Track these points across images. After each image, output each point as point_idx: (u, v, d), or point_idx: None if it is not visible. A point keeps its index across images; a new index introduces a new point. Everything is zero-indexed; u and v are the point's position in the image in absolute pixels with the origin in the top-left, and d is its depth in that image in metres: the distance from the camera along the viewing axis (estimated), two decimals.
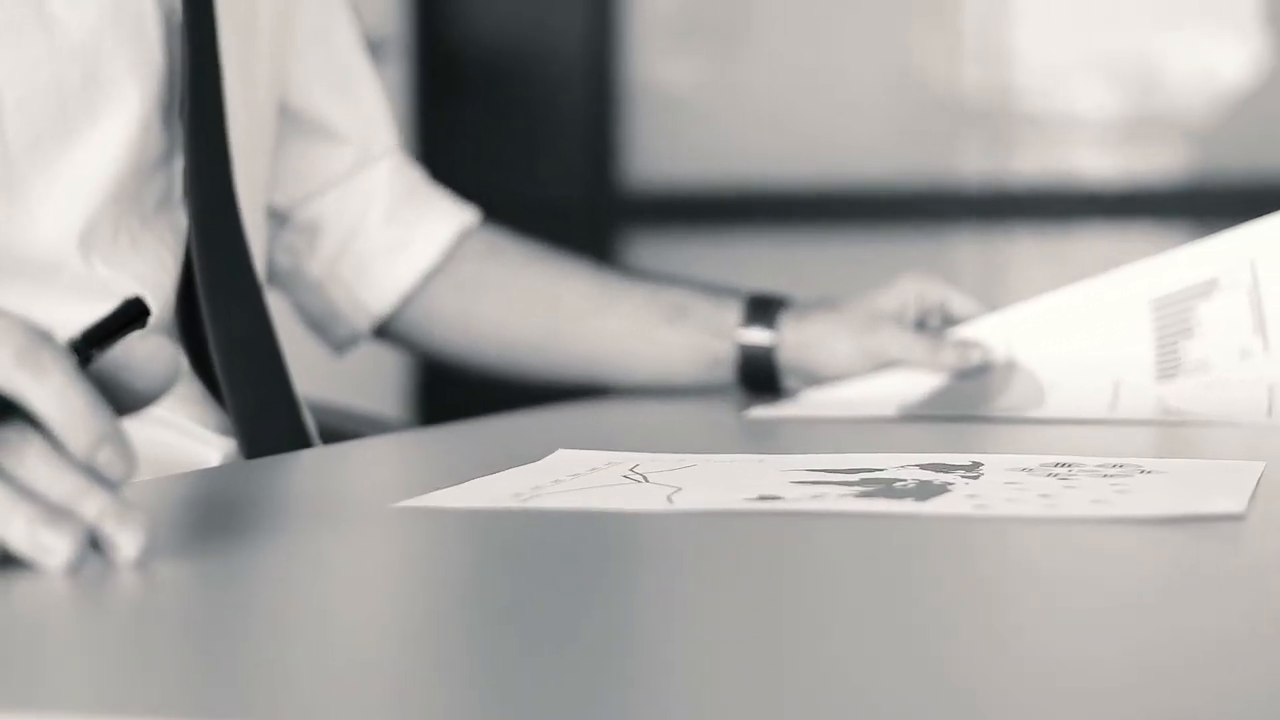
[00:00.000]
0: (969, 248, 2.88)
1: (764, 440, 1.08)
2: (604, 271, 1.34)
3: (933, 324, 1.28)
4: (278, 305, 1.15)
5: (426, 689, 0.47)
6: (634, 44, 2.93)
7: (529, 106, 2.90)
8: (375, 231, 1.28)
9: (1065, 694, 0.45)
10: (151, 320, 0.69)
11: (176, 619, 0.57)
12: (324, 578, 0.64)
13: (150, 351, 0.65)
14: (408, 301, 1.30)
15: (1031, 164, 2.81)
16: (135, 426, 0.65)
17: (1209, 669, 0.48)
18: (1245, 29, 2.72)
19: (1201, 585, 0.60)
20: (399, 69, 2.81)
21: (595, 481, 0.81)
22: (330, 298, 1.29)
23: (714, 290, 1.32)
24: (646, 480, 0.81)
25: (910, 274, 1.29)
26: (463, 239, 1.32)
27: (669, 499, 0.76)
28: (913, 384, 1.23)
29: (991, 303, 1.28)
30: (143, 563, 0.61)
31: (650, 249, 2.88)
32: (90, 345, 0.66)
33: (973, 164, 2.84)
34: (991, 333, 1.24)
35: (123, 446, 0.62)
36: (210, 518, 0.76)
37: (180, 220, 1.06)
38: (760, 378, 1.29)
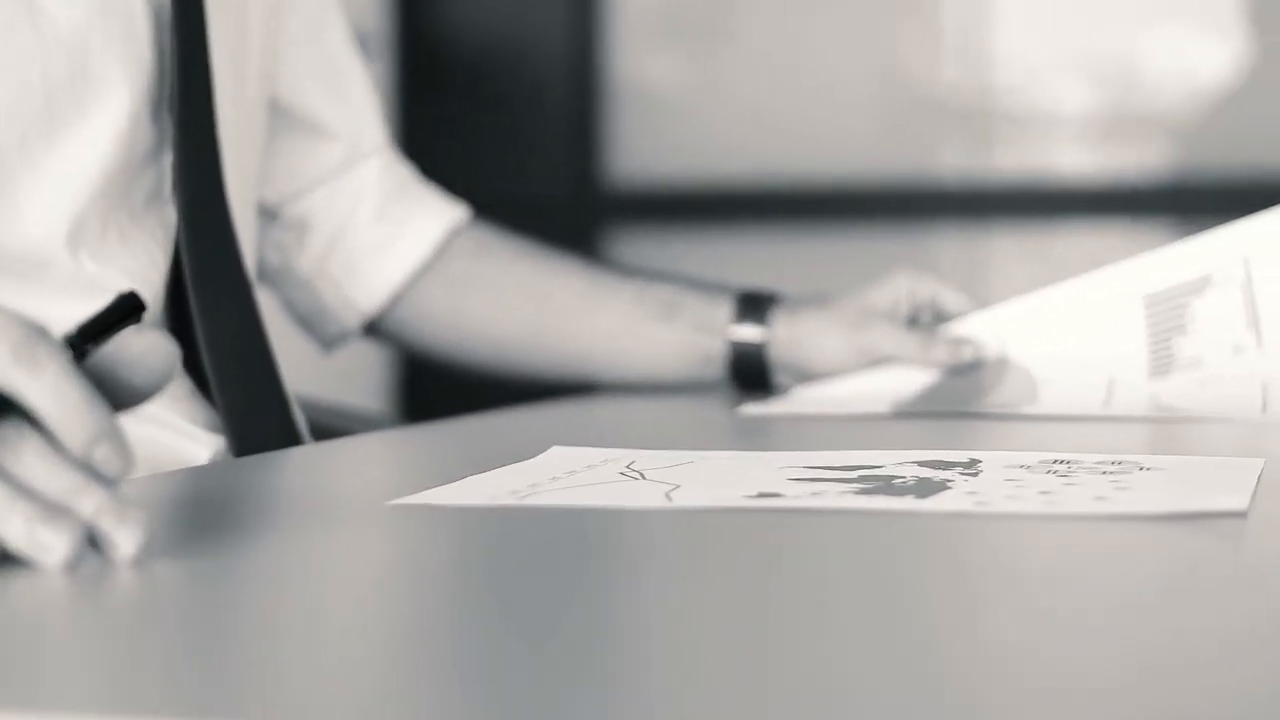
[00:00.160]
0: (950, 245, 2.88)
1: (758, 437, 1.08)
2: (594, 268, 1.34)
3: (925, 320, 1.27)
4: (266, 302, 1.14)
5: (428, 688, 0.47)
6: (617, 41, 2.92)
7: (512, 103, 2.90)
8: (365, 229, 1.28)
9: (1070, 693, 0.45)
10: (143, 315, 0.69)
11: (174, 618, 0.56)
12: (322, 576, 0.63)
13: (146, 346, 0.65)
14: (397, 299, 1.30)
15: (1012, 162, 2.81)
16: (123, 424, 0.64)
17: (1214, 666, 0.48)
18: (1225, 27, 2.73)
19: (1206, 583, 0.60)
20: (381, 65, 2.80)
21: (592, 479, 0.81)
22: (319, 295, 1.28)
23: (704, 286, 1.32)
24: (644, 477, 0.81)
25: (902, 270, 1.29)
26: (452, 236, 1.32)
27: (667, 496, 0.76)
28: (905, 381, 1.23)
29: (972, 299, 1.28)
30: (140, 560, 0.60)
31: (633, 246, 2.88)
32: (85, 340, 0.65)
33: (954, 161, 2.84)
34: (984, 329, 1.24)
35: (120, 443, 0.61)
36: (205, 516, 0.76)
37: (170, 216, 1.05)
38: (751, 374, 1.28)
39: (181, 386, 1.04)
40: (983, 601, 0.58)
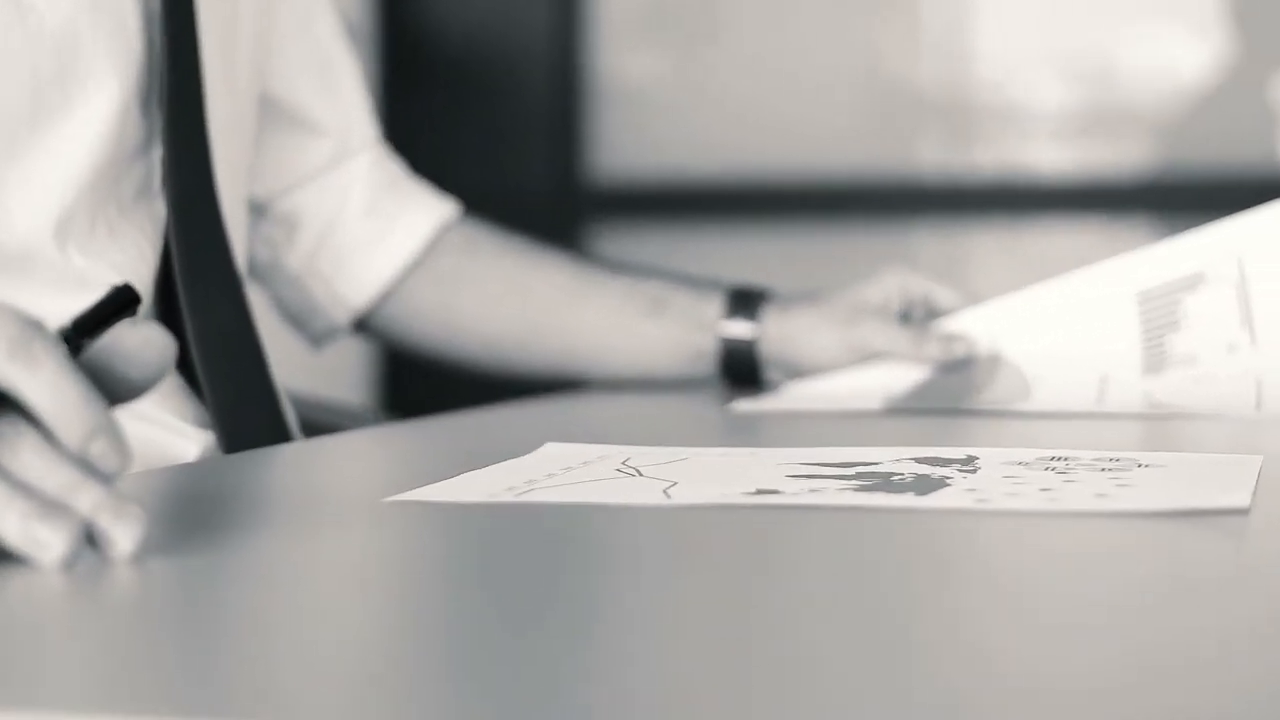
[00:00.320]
0: (929, 241, 2.88)
1: (751, 433, 1.07)
2: (584, 264, 1.33)
3: (916, 317, 1.27)
4: (254, 298, 1.13)
5: (431, 687, 0.46)
6: (600, 37, 2.92)
7: (495, 99, 2.89)
8: (354, 224, 1.27)
9: (1074, 692, 0.45)
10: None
11: (173, 616, 0.56)
12: (321, 574, 0.63)
13: (142, 339, 0.64)
14: (387, 295, 1.29)
15: (991, 158, 2.81)
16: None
17: (1219, 665, 0.48)
18: (1204, 24, 2.73)
19: (1211, 581, 0.60)
20: (364, 60, 2.79)
21: (588, 475, 0.80)
22: (308, 291, 1.27)
23: (695, 282, 1.31)
24: (640, 474, 0.81)
25: (893, 266, 1.28)
26: (443, 232, 1.31)
27: (665, 493, 0.75)
28: (896, 377, 1.22)
29: (963, 296, 1.27)
30: (138, 558, 0.60)
31: (616, 242, 2.88)
32: (80, 334, 0.65)
33: (933, 158, 2.84)
34: (976, 326, 1.24)
35: (117, 439, 0.60)
36: (201, 513, 0.75)
37: (159, 210, 1.04)
38: (742, 371, 1.28)
39: (170, 382, 1.03)
40: (986, 599, 0.58)
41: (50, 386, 0.60)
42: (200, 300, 1.03)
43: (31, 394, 0.60)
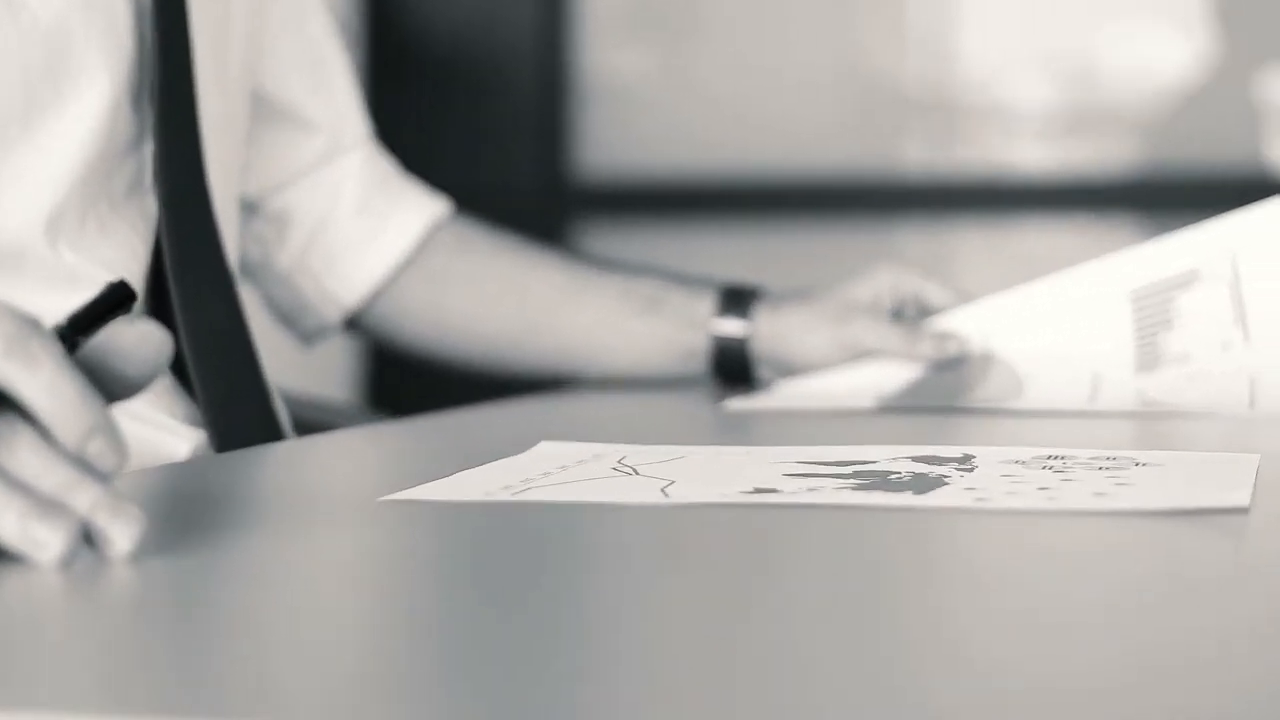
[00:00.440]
0: (914, 239, 2.88)
1: (746, 432, 1.07)
2: (575, 262, 1.33)
3: (908, 315, 1.26)
4: (245, 295, 1.13)
5: (431, 688, 0.46)
6: (585, 34, 2.91)
7: (481, 97, 2.89)
8: (346, 222, 1.26)
9: (1076, 692, 0.45)
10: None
11: (171, 616, 0.56)
12: (319, 574, 0.63)
13: (139, 336, 0.64)
14: (378, 294, 1.29)
15: (977, 157, 2.81)
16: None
17: (1222, 665, 0.48)
18: (1189, 23, 2.73)
19: (1213, 580, 0.60)
20: (349, 57, 2.78)
21: (584, 474, 0.80)
22: (299, 289, 1.27)
23: (687, 280, 1.31)
24: (637, 472, 0.80)
25: (886, 264, 1.28)
26: (434, 230, 1.31)
27: (663, 491, 0.75)
28: (889, 375, 1.22)
29: (956, 294, 1.27)
30: (135, 557, 0.59)
31: (601, 239, 2.87)
32: (76, 332, 0.64)
33: (918, 156, 2.84)
34: (968, 324, 1.23)
35: (114, 437, 0.60)
36: (196, 512, 0.75)
37: (150, 206, 1.04)
38: (734, 369, 1.28)
39: (162, 380, 1.02)
40: (987, 598, 0.57)
41: (48, 385, 0.59)
42: (192, 297, 1.03)
43: (29, 392, 0.59)
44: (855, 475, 0.78)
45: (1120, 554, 0.64)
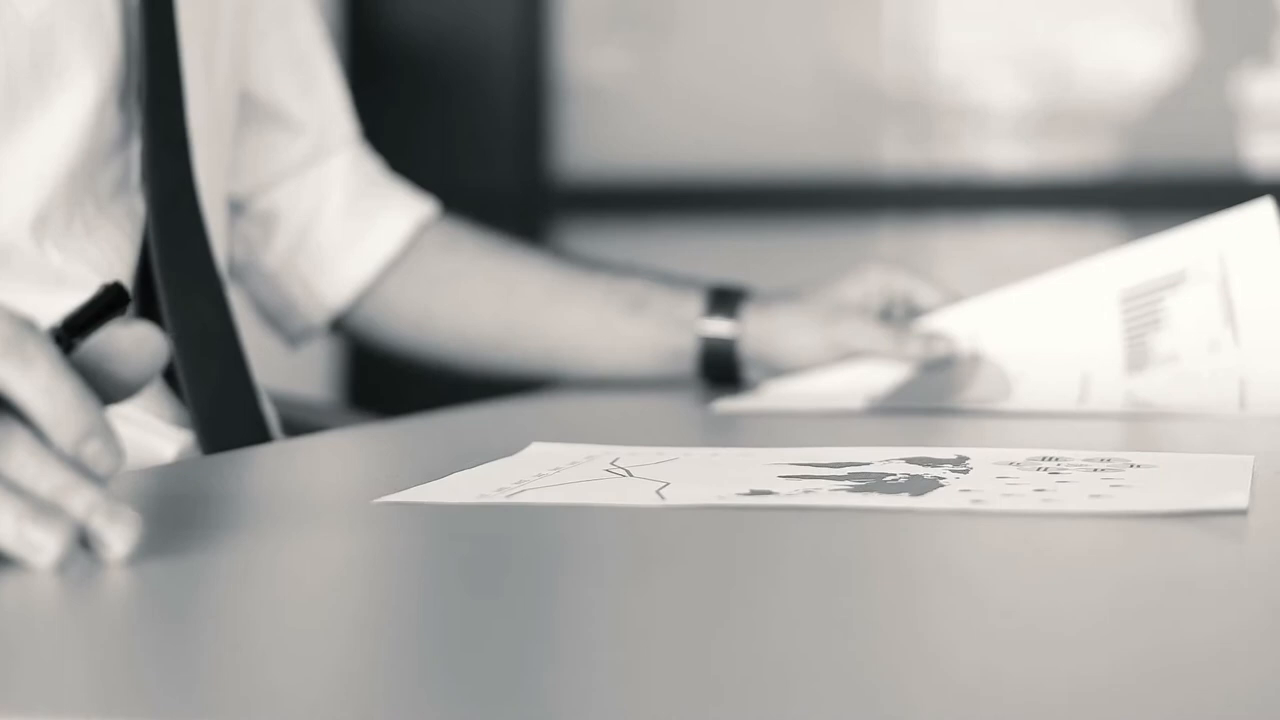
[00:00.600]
0: (892, 239, 2.89)
1: (736, 433, 1.07)
2: (562, 263, 1.32)
3: (897, 315, 1.26)
4: (233, 296, 1.12)
5: (435, 692, 0.46)
6: (564, 35, 2.91)
7: (459, 97, 2.88)
8: (332, 223, 1.26)
9: (1077, 695, 0.45)
10: None
11: (168, 619, 0.55)
12: (319, 577, 0.62)
13: (136, 339, 0.63)
14: (365, 295, 1.28)
15: (954, 156, 2.82)
16: None
17: (1224, 667, 0.48)
18: (1166, 22, 2.74)
19: (1218, 583, 0.60)
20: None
21: (577, 476, 0.80)
22: (286, 290, 1.26)
23: (674, 281, 1.30)
24: (630, 474, 0.80)
25: (875, 264, 1.28)
26: (421, 231, 1.30)
27: (658, 493, 0.75)
28: (877, 376, 1.22)
29: (945, 294, 1.27)
30: (131, 560, 0.59)
31: (580, 239, 2.87)
32: (72, 333, 0.64)
33: (896, 156, 2.84)
34: (957, 324, 1.23)
35: (110, 440, 0.60)
36: (193, 514, 0.74)
37: (138, 206, 1.03)
38: (721, 370, 1.27)
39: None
40: (989, 601, 0.57)
41: (44, 387, 0.59)
42: (180, 298, 1.02)
43: (25, 394, 0.59)
44: (850, 477, 0.78)
45: (1122, 557, 0.64)
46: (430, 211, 1.31)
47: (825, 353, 1.24)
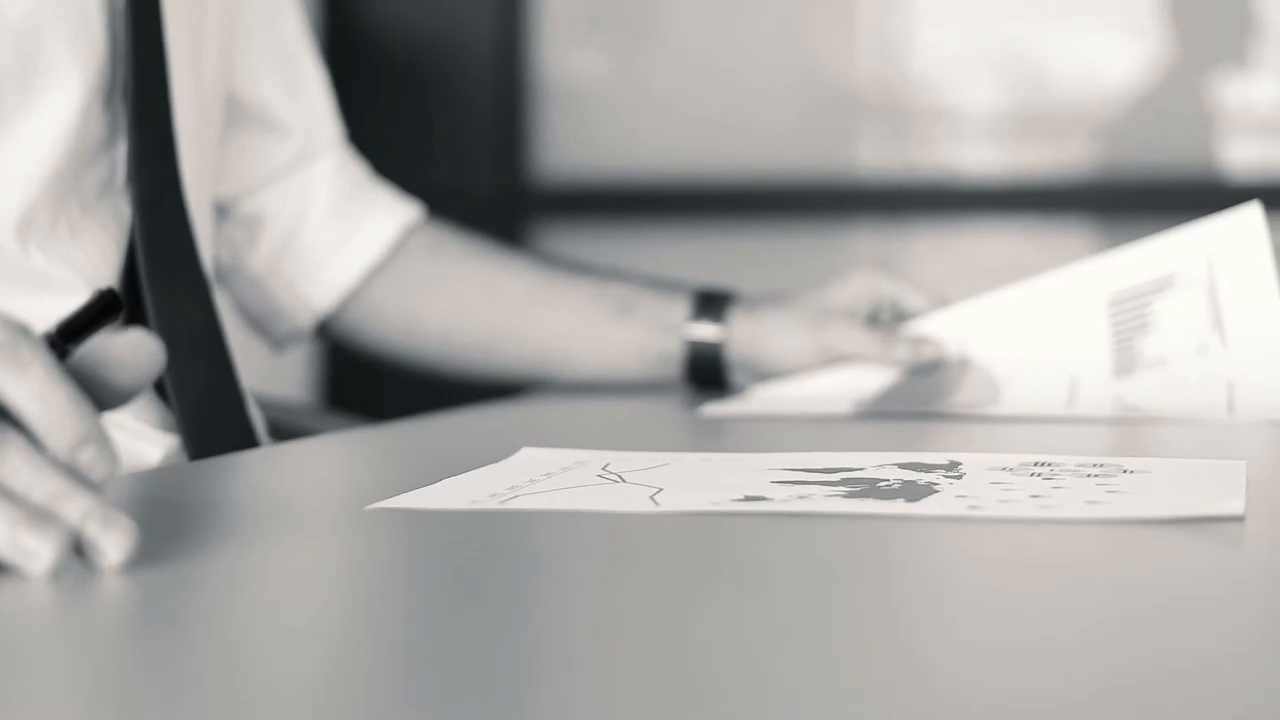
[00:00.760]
0: (867, 241, 2.89)
1: (725, 437, 1.07)
2: (548, 266, 1.32)
3: (884, 319, 1.26)
4: (218, 299, 1.11)
5: (432, 699, 0.45)
6: (542, 36, 2.91)
7: (438, 99, 2.88)
8: (318, 227, 1.25)
9: (1078, 702, 0.45)
10: None
11: (164, 627, 0.55)
12: (316, 584, 0.62)
13: (131, 345, 0.63)
14: (350, 299, 1.27)
15: (931, 159, 2.82)
16: None
17: (1225, 671, 0.48)
18: (1142, 27, 2.74)
19: (1218, 589, 0.59)
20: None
21: (570, 481, 0.79)
22: (271, 294, 1.25)
23: (660, 284, 1.30)
24: (623, 480, 0.80)
25: (862, 268, 1.28)
26: (407, 235, 1.30)
27: (653, 499, 0.74)
28: (865, 380, 1.22)
29: (932, 298, 1.27)
30: (126, 568, 0.58)
31: (559, 241, 2.87)
32: (66, 339, 0.63)
33: (872, 159, 2.85)
34: (945, 328, 1.23)
35: (105, 446, 0.59)
36: (183, 520, 0.74)
37: (123, 208, 1.03)
38: (708, 374, 1.27)
39: None
40: (988, 607, 0.57)
41: (39, 393, 0.59)
42: (166, 300, 1.01)
43: (20, 400, 0.59)
44: (844, 483, 0.78)
45: (1119, 563, 0.64)
46: (416, 215, 1.31)
47: (812, 356, 1.24)
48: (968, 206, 2.81)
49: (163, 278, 1.02)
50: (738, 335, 1.26)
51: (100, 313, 0.65)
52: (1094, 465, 0.82)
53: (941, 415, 1.12)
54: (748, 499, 0.74)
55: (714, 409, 1.16)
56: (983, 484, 0.77)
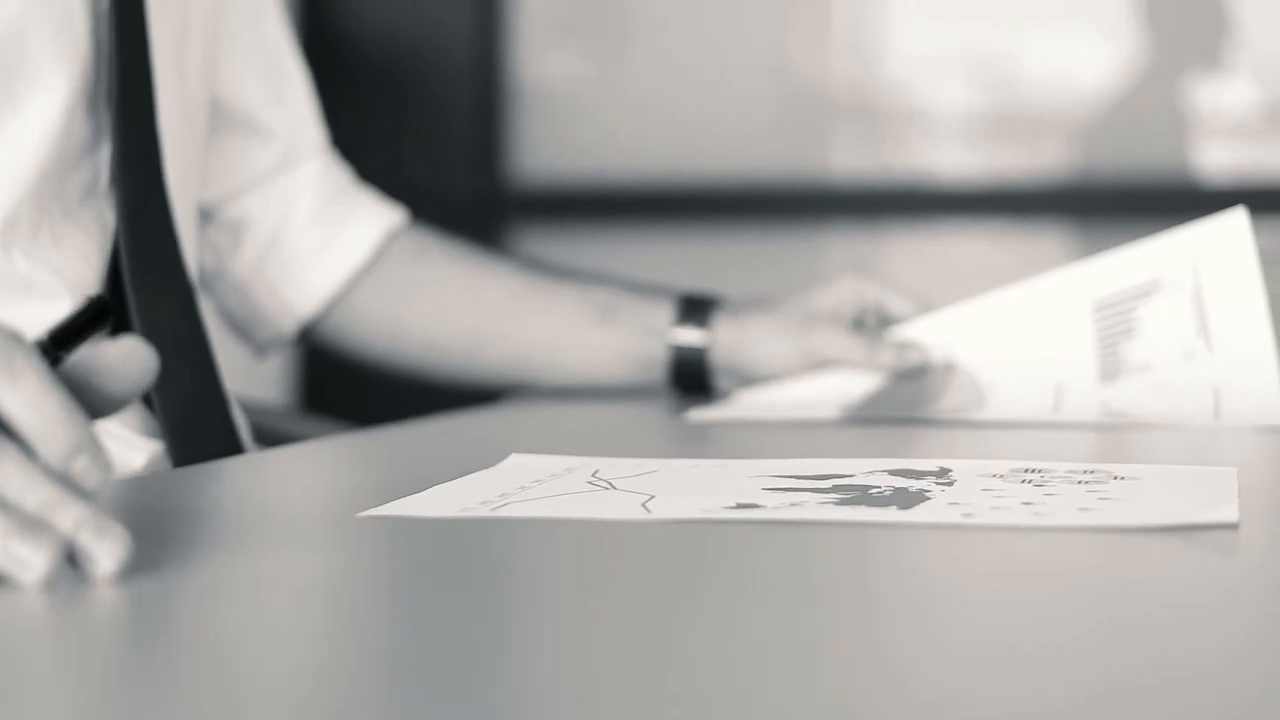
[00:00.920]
0: (843, 244, 2.89)
1: (711, 443, 1.06)
2: (532, 270, 1.31)
3: (869, 324, 1.26)
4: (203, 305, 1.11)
5: (430, 709, 0.45)
6: (519, 39, 2.91)
7: (415, 102, 2.87)
8: (302, 232, 1.25)
9: (1079, 709, 0.45)
10: None
11: (156, 637, 0.54)
12: (309, 592, 0.61)
13: (124, 352, 0.63)
14: (334, 304, 1.27)
15: (904, 162, 2.83)
16: None
17: (1225, 676, 0.48)
18: (1117, 30, 2.75)
19: (1216, 596, 0.60)
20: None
21: (560, 488, 0.79)
22: (254, 299, 1.25)
23: (644, 289, 1.30)
24: (614, 487, 0.79)
25: (847, 273, 1.28)
26: (391, 240, 1.29)
27: (644, 506, 0.74)
28: (850, 385, 1.21)
29: (918, 303, 1.27)
30: (120, 577, 0.58)
31: (536, 244, 2.87)
32: (58, 347, 0.63)
33: (847, 162, 2.85)
34: (930, 333, 1.23)
35: (98, 454, 0.59)
36: (172, 528, 0.73)
37: (106, 213, 1.02)
38: (692, 379, 1.27)
39: None
40: (977, 616, 0.57)
41: (31, 400, 0.58)
42: (150, 305, 1.01)
43: (12, 408, 0.58)
44: (835, 490, 0.78)
45: (1113, 571, 0.64)
46: (400, 219, 1.30)
47: (797, 361, 1.23)
48: (942, 209, 2.82)
49: (147, 282, 1.01)
50: (722, 340, 1.26)
51: (91, 320, 0.64)
52: (1085, 472, 0.82)
53: (927, 420, 1.12)
54: (740, 506, 0.74)
55: (700, 414, 1.16)
56: (974, 491, 0.77)
